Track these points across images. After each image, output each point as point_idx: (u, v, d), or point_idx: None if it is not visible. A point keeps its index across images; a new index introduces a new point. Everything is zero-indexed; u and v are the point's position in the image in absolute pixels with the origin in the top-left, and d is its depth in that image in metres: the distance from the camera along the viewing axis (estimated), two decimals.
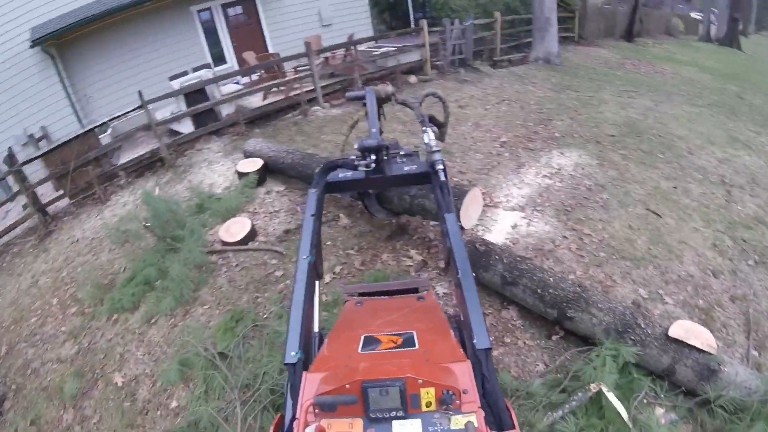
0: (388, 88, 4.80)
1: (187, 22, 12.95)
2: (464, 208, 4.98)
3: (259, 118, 10.20)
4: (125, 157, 9.37)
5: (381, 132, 3.93)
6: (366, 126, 4.07)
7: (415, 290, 2.82)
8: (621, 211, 5.91)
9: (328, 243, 5.68)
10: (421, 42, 12.33)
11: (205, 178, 7.91)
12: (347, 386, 1.55)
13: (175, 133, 9.83)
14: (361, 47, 12.94)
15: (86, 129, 8.77)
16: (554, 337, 4.20)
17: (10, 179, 8.51)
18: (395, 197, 5.38)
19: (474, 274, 2.23)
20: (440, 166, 3.16)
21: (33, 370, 5.36)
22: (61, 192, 8.73)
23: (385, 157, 3.42)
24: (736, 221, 5.97)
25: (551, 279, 4.15)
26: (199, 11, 13.08)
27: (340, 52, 12.23)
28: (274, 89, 10.96)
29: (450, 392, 1.54)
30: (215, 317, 4.91)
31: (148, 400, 4.37)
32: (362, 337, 2.00)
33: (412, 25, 17.60)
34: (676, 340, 3.62)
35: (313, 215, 2.82)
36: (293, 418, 1.64)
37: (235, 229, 6.02)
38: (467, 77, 12.56)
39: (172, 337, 4.87)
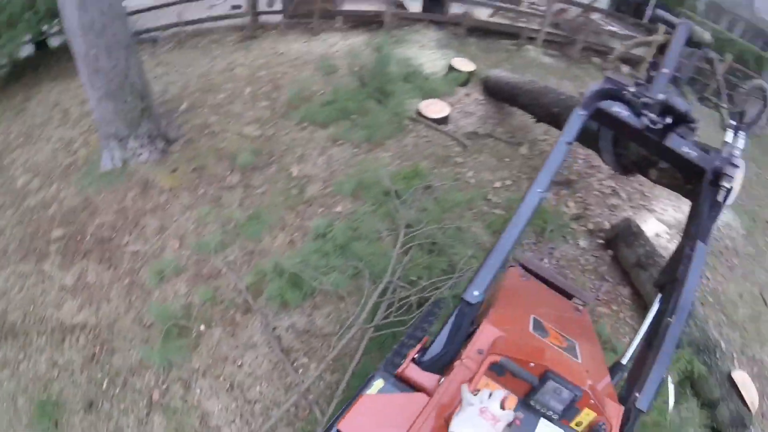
0: (707, 35, 3.71)
1: None
2: None
3: (479, 30, 10.18)
4: (348, 7, 9.73)
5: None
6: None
7: (570, 297, 2.65)
8: (740, 281, 5.66)
9: (506, 159, 5.75)
10: (649, 40, 11.60)
11: (414, 57, 8.07)
12: (532, 364, 1.47)
13: (402, 7, 10.12)
14: (594, 16, 12.41)
15: None
16: None
17: None
18: (632, 144, 4.25)
19: (685, 327, 1.94)
20: (726, 184, 2.43)
21: (211, 132, 5.95)
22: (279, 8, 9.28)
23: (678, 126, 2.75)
24: None
25: None
26: None
27: (575, 10, 11.81)
28: (502, 11, 10.83)
29: (604, 425, 1.47)
30: (395, 165, 5.27)
31: (315, 197, 4.84)
32: (532, 318, 1.92)
33: (645, 18, 16.53)
34: (733, 382, 3.96)
35: (569, 142, 2.44)
36: (447, 354, 1.62)
37: (434, 108, 6.29)
38: None
39: (353, 162, 5.29)
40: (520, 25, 10.46)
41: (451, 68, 7.47)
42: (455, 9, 10.30)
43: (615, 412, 1.59)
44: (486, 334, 1.65)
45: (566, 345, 1.84)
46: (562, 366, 1.54)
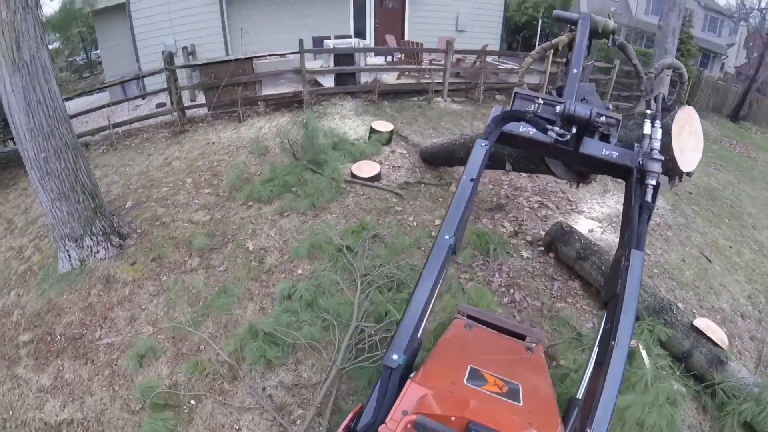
0: (610, 21, 3.52)
1: None
2: (677, 127, 3.38)
3: (390, 94, 11.17)
4: (266, 92, 10.43)
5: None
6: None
7: (523, 337, 2.64)
8: (679, 248, 6.57)
9: (440, 199, 6.46)
10: (543, 69, 12.99)
11: (337, 127, 8.77)
12: (453, 419, 1.50)
13: (317, 84, 10.94)
14: (489, 58, 14.06)
15: (246, 56, 9.81)
16: (603, 311, 4.84)
17: (154, 79, 9.72)
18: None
19: (631, 346, 1.89)
20: (653, 182, 2.28)
21: (162, 223, 6.27)
22: (202, 102, 9.84)
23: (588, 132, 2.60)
24: None
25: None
26: None
27: (471, 57, 13.15)
28: (407, 72, 11.98)
29: None
30: (342, 224, 5.81)
31: (275, 265, 5.25)
32: (469, 368, 1.92)
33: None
34: (697, 330, 4.44)
35: (473, 179, 2.28)
36: (377, 421, 1.57)
37: (366, 168, 6.97)
38: None
39: (302, 229, 5.77)
40: (426, 81, 11.50)
41: (373, 130, 8.21)
42: (365, 78, 11.24)
43: None
44: (411, 394, 1.64)
45: (507, 390, 1.83)
46: (493, 414, 1.59)
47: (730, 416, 4.03)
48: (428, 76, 11.65)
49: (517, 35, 21.58)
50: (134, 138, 9.43)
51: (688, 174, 3.24)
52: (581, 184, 4.40)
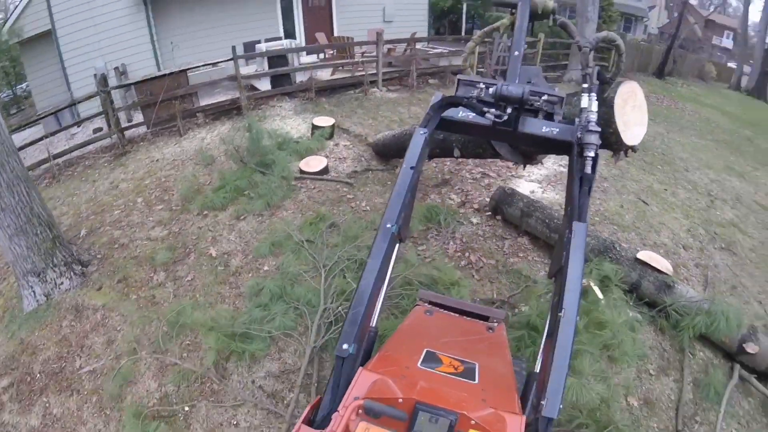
0: (550, 2, 3.53)
1: None
2: (620, 101, 3.50)
3: (326, 90, 11.40)
4: (203, 102, 10.44)
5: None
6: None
7: (486, 318, 2.66)
8: (616, 196, 7.17)
9: (388, 183, 6.76)
10: (497, 26, 13.46)
11: (278, 128, 8.90)
12: (400, 400, 1.51)
13: (254, 88, 11.02)
14: (419, 45, 14.46)
15: (180, 69, 9.82)
16: None
17: (88, 104, 9.65)
18: None
19: (578, 318, 1.89)
20: (591, 153, 2.34)
21: (120, 244, 6.28)
22: (140, 120, 9.81)
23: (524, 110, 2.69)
24: (712, 221, 7.21)
25: (555, 215, 5.41)
26: None
27: (401, 46, 13.56)
28: (341, 67, 12.29)
29: None
30: (299, 219, 6.02)
31: (241, 267, 5.43)
32: (424, 351, 1.95)
33: (463, 34, 18.91)
34: (642, 262, 4.92)
35: (413, 167, 2.34)
36: (333, 409, 1.59)
37: (314, 162, 7.20)
38: None
39: (261, 229, 5.96)
40: (360, 73, 11.77)
41: (315, 127, 8.43)
42: (300, 77, 11.40)
43: (513, 424, 1.58)
44: (362, 380, 1.66)
45: (463, 369, 1.87)
46: (443, 393, 1.62)
47: (686, 331, 4.52)
48: (362, 69, 11.93)
49: (444, 20, 22.09)
50: (76, 167, 9.30)
51: (633, 149, 3.51)
52: (528, 165, 4.62)
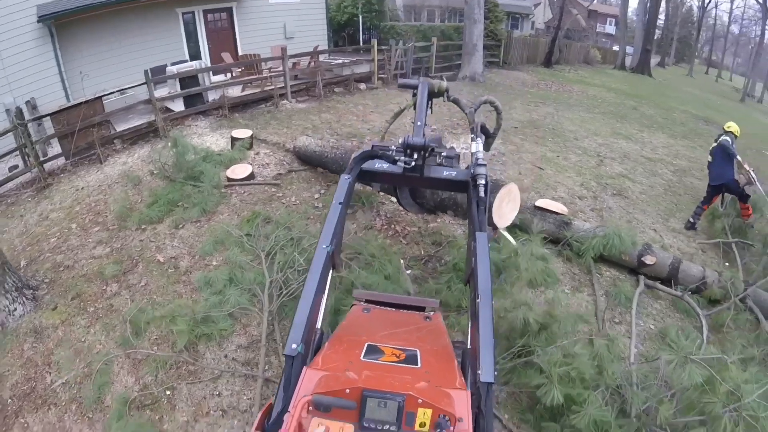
0: (443, 83, 4.61)
1: (172, 21, 14.55)
2: (498, 202, 4.90)
3: (239, 106, 11.97)
4: (120, 128, 10.68)
5: (425, 125, 3.89)
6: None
7: (422, 309, 2.85)
8: (515, 167, 8.36)
9: (312, 180, 7.54)
10: (371, 58, 14.81)
11: (200, 144, 9.37)
12: (347, 391, 1.57)
13: (168, 110, 11.39)
14: (322, 57, 15.60)
15: (95, 96, 9.99)
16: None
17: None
18: (428, 192, 5.81)
19: (493, 303, 2.17)
20: (482, 181, 2.98)
21: (65, 266, 6.47)
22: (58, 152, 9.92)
23: (427, 157, 3.31)
24: (603, 175, 8.52)
25: None
26: (183, 13, 14.75)
27: (305, 59, 14.43)
28: (250, 83, 12.99)
29: (446, 417, 1.56)
30: (236, 220, 6.66)
31: (190, 266, 5.98)
32: (366, 345, 2.02)
33: (361, 44, 20.16)
34: (541, 208, 6.00)
35: (341, 203, 2.77)
36: (284, 410, 1.63)
37: (239, 170, 7.84)
38: None
39: (201, 233, 6.52)
40: (269, 88, 12.51)
41: (234, 139, 9.03)
42: (212, 96, 11.90)
43: (459, 398, 1.70)
44: (309, 378, 1.73)
45: (405, 357, 1.97)
46: (387, 379, 1.70)
47: (587, 252, 5.58)
48: (270, 83, 12.67)
49: (342, 32, 23.14)
50: None
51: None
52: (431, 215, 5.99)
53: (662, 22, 45.49)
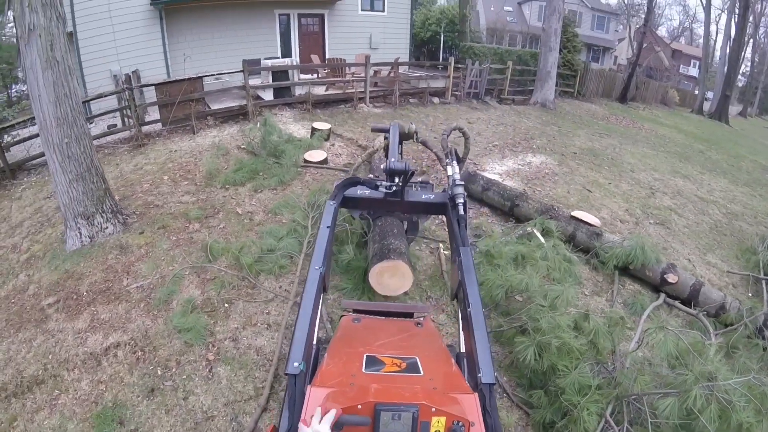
0: (412, 126, 5.14)
1: (269, 20, 16.15)
2: (378, 270, 4.99)
3: (321, 103, 13.26)
4: (214, 107, 12.00)
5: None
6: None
7: (411, 315, 2.86)
8: (564, 186, 8.87)
9: None
10: (447, 74, 15.78)
11: (283, 130, 10.36)
12: (359, 406, 1.56)
13: (258, 98, 12.70)
14: (401, 69, 16.72)
15: (197, 75, 11.36)
16: (508, 222, 7.15)
17: (99, 104, 11.09)
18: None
19: (484, 311, 2.17)
20: (461, 200, 3.07)
21: (155, 205, 7.36)
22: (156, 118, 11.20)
23: (407, 182, 3.45)
24: (650, 206, 8.80)
25: (509, 189, 7.21)
26: (279, 14, 16.35)
27: (386, 69, 15.59)
28: (334, 85, 14.19)
29: (460, 423, 1.56)
30: (306, 193, 7.54)
31: (263, 220, 6.92)
32: (364, 356, 2.00)
33: (440, 60, 21.50)
34: (576, 218, 6.46)
35: (329, 227, 2.87)
36: (292, 427, 1.64)
37: (316, 155, 8.87)
38: (477, 106, 15.93)
39: (276, 199, 7.47)
40: (350, 91, 13.62)
41: (314, 129, 10.06)
42: (299, 91, 13.23)
43: (468, 402, 1.71)
44: (314, 396, 1.70)
45: (406, 365, 1.94)
46: (397, 390, 1.68)
47: (609, 261, 6.00)
48: (352, 87, 13.79)
49: (423, 48, 24.20)
50: (97, 154, 10.39)
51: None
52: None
53: (749, 68, 44.07)
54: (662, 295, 5.94)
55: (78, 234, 6.40)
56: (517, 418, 4.14)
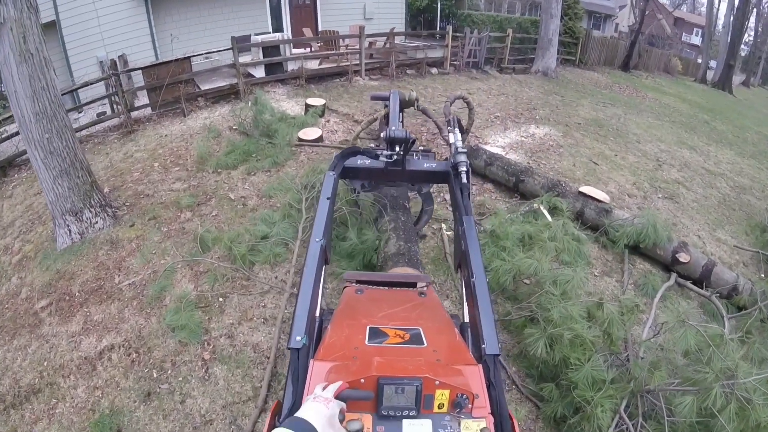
0: (412, 93, 5.06)
1: None
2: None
3: (315, 78, 12.81)
4: (204, 87, 11.63)
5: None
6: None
7: (414, 285, 2.80)
8: (570, 158, 8.57)
9: None
10: (445, 44, 15.41)
11: (276, 107, 10.06)
12: (362, 381, 1.54)
13: (250, 75, 12.32)
14: (397, 39, 16.17)
15: (185, 56, 10.92)
16: (513, 199, 6.88)
17: (87, 92, 10.72)
18: None
19: (488, 279, 2.12)
20: (464, 168, 3.03)
21: (145, 195, 7.10)
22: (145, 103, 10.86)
23: (409, 150, 3.37)
24: (658, 179, 8.59)
25: (512, 163, 6.91)
26: None
27: (381, 40, 15.11)
28: (328, 58, 13.75)
29: (464, 396, 1.55)
30: (301, 173, 7.26)
31: (257, 205, 6.67)
32: (367, 328, 1.98)
33: (437, 30, 20.68)
34: (584, 194, 6.19)
35: (329, 198, 2.86)
36: (295, 405, 1.64)
37: (310, 132, 8.51)
38: (477, 76, 15.60)
39: (270, 181, 7.19)
40: (345, 64, 13.16)
41: (308, 105, 9.72)
42: (291, 66, 12.76)
43: (472, 374, 1.69)
44: (318, 370, 1.69)
45: (410, 337, 1.92)
46: (400, 363, 1.65)
47: (620, 240, 5.74)
48: (346, 60, 13.30)
49: (419, 17, 23.51)
50: (86, 144, 10.07)
51: None
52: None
53: (752, 38, 43.49)
54: (673, 275, 5.75)
55: (68, 231, 6.26)
56: (527, 412, 3.99)
